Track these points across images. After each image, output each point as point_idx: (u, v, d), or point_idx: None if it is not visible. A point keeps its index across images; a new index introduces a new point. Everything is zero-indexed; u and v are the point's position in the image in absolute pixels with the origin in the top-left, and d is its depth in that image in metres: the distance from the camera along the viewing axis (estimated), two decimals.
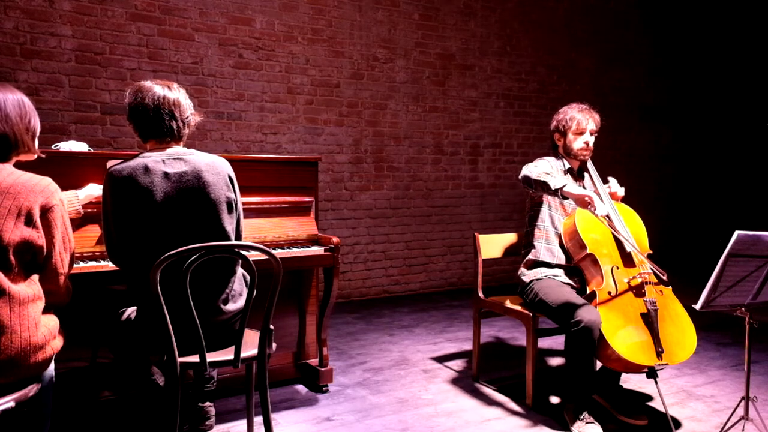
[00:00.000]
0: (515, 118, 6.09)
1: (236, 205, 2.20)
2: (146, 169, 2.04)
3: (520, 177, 2.80)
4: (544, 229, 2.94)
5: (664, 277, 2.58)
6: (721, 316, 4.52)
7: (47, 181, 1.78)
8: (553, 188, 2.59)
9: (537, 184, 2.66)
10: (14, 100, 1.80)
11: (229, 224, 2.16)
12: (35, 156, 1.90)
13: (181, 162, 2.09)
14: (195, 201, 2.08)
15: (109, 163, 2.15)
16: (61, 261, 1.79)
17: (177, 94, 2.16)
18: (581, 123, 2.91)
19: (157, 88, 2.13)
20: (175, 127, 2.13)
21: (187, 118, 2.17)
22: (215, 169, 2.13)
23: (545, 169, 2.81)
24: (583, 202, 2.54)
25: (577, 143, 2.93)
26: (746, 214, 7.15)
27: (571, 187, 2.57)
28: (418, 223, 5.61)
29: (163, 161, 2.07)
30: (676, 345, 2.59)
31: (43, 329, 1.73)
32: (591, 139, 2.94)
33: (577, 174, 3.01)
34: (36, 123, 1.87)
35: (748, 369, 2.39)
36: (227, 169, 2.19)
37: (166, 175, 2.05)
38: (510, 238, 3.30)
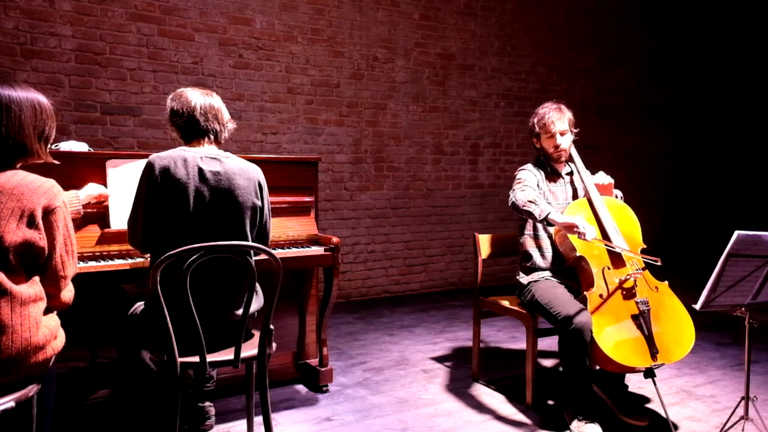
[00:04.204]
0: (515, 118, 6.08)
1: (262, 211, 2.28)
2: (185, 161, 2.15)
3: (509, 204, 2.82)
4: (535, 237, 2.95)
5: (659, 263, 2.56)
6: (721, 316, 4.52)
7: (51, 183, 1.77)
8: (538, 219, 2.67)
9: (525, 213, 2.74)
10: (32, 107, 1.77)
11: (251, 229, 2.24)
12: (43, 161, 1.87)
13: (216, 162, 2.19)
14: (222, 201, 2.16)
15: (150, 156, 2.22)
16: (62, 263, 1.78)
17: (219, 102, 2.33)
18: (548, 126, 2.91)
19: (201, 95, 2.29)
20: (218, 129, 2.29)
21: (226, 123, 2.33)
22: (247, 174, 2.23)
23: (529, 192, 2.78)
24: (571, 230, 2.58)
25: (549, 146, 2.94)
26: (746, 214, 7.15)
27: (555, 215, 2.63)
28: (418, 223, 5.61)
29: (201, 158, 2.17)
30: (672, 343, 2.59)
31: (44, 329, 1.73)
32: (564, 140, 2.92)
33: (563, 172, 3.01)
34: (51, 130, 1.84)
35: (748, 369, 2.39)
36: (258, 175, 2.28)
37: (201, 171, 2.15)
38: (510, 238, 3.30)
